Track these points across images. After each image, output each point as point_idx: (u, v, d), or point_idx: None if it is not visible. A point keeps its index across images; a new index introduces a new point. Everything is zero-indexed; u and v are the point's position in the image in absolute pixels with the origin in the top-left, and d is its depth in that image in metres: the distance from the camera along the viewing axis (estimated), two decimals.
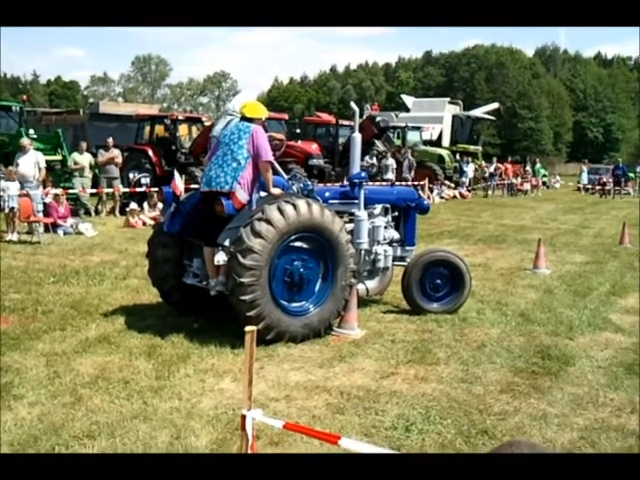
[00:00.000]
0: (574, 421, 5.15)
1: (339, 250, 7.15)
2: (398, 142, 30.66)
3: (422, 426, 4.96)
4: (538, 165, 40.46)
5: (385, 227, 8.44)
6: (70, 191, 17.05)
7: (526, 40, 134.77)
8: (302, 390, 5.65)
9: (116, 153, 18.81)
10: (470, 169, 32.14)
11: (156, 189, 18.16)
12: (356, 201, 8.04)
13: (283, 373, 6.05)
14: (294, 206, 6.79)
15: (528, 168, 38.40)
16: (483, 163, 36.37)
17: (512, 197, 32.82)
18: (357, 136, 8.32)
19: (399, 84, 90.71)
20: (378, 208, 8.50)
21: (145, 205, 16.85)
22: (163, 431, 4.77)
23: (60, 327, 7.24)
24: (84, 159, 18.27)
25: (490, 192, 32.17)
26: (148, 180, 19.64)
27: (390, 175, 26.16)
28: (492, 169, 33.76)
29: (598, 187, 36.91)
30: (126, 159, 20.23)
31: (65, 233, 14.28)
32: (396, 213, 8.76)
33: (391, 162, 26.69)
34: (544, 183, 40.88)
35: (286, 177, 7.84)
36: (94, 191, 18.22)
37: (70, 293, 8.85)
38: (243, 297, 6.57)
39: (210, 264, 7.09)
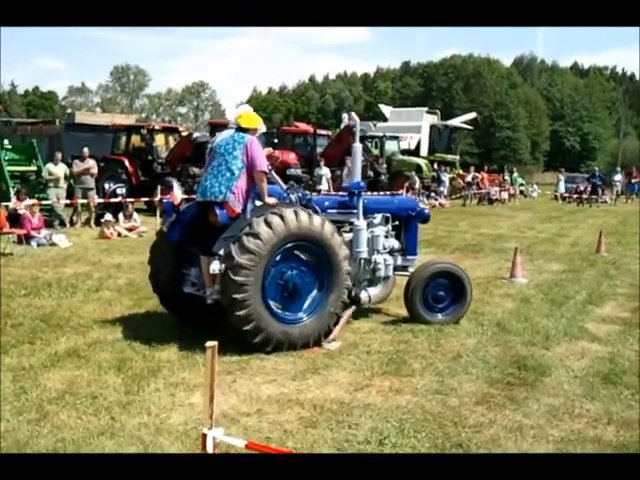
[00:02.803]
0: (550, 433, 5.09)
1: (331, 255, 7.16)
2: (376, 152, 30.70)
3: (396, 440, 4.88)
4: (515, 174, 40.65)
5: (386, 236, 8.47)
6: (44, 202, 16.85)
7: (503, 50, 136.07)
8: (274, 404, 5.54)
9: (91, 164, 18.59)
10: (448, 178, 32.23)
11: (132, 200, 18.03)
12: (355, 210, 8.09)
13: (255, 386, 5.94)
14: (281, 217, 6.80)
15: (506, 177, 38.57)
16: (461, 172, 36.52)
17: (490, 206, 32.95)
18: (358, 146, 8.48)
19: (377, 94, 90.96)
20: (378, 217, 8.50)
21: (120, 216, 16.65)
22: (130, 448, 4.64)
23: (29, 341, 7.09)
24: (59, 170, 18.05)
25: (468, 201, 32.27)
26: (124, 190, 19.52)
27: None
28: (470, 178, 33.88)
29: (575, 196, 37.13)
30: (102, 169, 20.02)
31: (39, 244, 14.07)
32: (397, 222, 8.78)
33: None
34: (521, 192, 41.06)
35: (284, 187, 7.91)
36: (69, 202, 17.99)
37: (41, 306, 8.68)
38: (238, 313, 6.63)
39: (206, 273, 7.15)
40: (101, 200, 18.43)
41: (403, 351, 7.07)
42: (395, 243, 8.63)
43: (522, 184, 42.90)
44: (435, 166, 33.62)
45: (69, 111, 74.02)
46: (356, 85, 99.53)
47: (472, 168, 36.57)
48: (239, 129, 7.27)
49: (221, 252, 6.92)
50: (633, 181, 42.00)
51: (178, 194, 7.79)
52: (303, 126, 32.72)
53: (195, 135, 22.85)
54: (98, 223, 17.20)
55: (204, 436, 2.83)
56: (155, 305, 8.82)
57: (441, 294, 8.26)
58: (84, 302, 9.00)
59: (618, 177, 40.67)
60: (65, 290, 9.65)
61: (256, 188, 7.13)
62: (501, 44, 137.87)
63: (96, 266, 11.89)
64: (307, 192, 8.00)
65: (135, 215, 17.14)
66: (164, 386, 5.87)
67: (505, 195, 35.90)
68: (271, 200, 7.13)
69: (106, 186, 19.73)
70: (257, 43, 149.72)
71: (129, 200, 17.78)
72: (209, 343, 2.83)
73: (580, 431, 5.13)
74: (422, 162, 33.17)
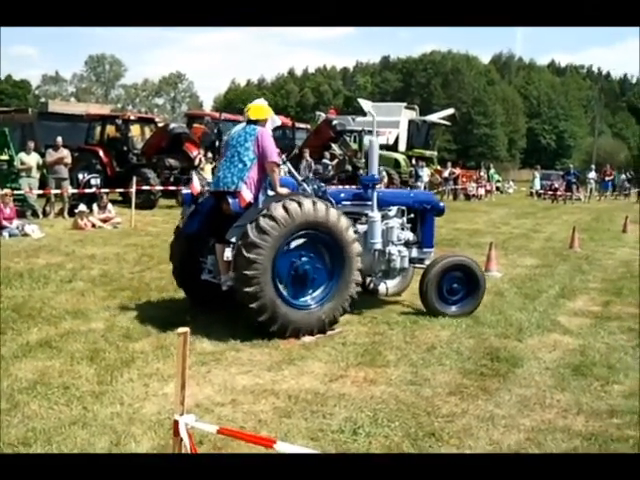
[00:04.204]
0: (521, 422, 5.14)
1: (344, 248, 7.34)
2: (355, 146, 30.72)
3: (369, 429, 4.90)
4: (492, 170, 40.90)
5: (401, 229, 8.65)
6: (17, 192, 16.61)
7: (482, 47, 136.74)
8: (249, 394, 5.54)
9: (65, 153, 18.36)
10: (425, 174, 32.34)
11: (106, 190, 17.86)
12: (369, 202, 8.32)
13: (230, 377, 5.93)
14: (299, 204, 7.02)
15: (483, 173, 38.81)
16: (438, 168, 36.67)
17: (466, 202, 33.14)
18: (374, 140, 8.67)
19: (357, 88, 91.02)
20: (393, 210, 8.67)
21: (95, 207, 16.49)
22: (102, 437, 4.61)
23: (0, 331, 6.99)
24: (31, 159, 17.81)
25: (445, 197, 32.41)
26: (98, 181, 19.28)
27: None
28: (446, 174, 34.05)
29: (550, 193, 37.49)
30: (76, 159, 19.80)
31: (10, 235, 13.88)
32: (412, 215, 8.93)
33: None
34: (498, 188, 41.36)
35: (300, 179, 8.15)
36: (41, 192, 17.77)
37: (12, 296, 8.57)
38: (247, 289, 6.82)
39: (221, 260, 7.43)
40: (75, 190, 18.23)
41: (378, 342, 7.10)
42: (410, 235, 8.78)
43: (498, 180, 43.20)
44: (413, 161, 33.70)
45: (43, 100, 73.06)
46: (335, 79, 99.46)
47: (449, 164, 36.76)
48: (249, 121, 7.49)
49: (233, 239, 7.17)
50: (607, 179, 42.52)
51: (197, 185, 7.98)
52: (282, 119, 32.61)
53: (171, 126, 22.66)
54: (72, 214, 17.01)
55: (176, 422, 2.82)
56: (129, 296, 8.79)
57: (455, 287, 8.38)
58: (56, 293, 8.91)
59: (592, 175, 41.10)
60: (37, 281, 9.53)
61: (268, 178, 7.34)
62: (480, 41, 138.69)
63: (69, 257, 11.77)
64: (322, 184, 8.26)
65: (109, 206, 16.98)
66: (138, 376, 5.83)
67: (482, 191, 36.15)
68: (283, 190, 7.33)
69: (80, 176, 19.47)
70: (236, 35, 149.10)
71: (103, 191, 17.61)
72: (180, 329, 2.81)
73: (550, 421, 5.19)
74: (400, 157, 33.28)
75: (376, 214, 8.31)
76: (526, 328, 7.85)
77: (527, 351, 6.99)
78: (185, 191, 8.18)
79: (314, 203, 7.13)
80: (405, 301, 9.11)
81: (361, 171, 28.61)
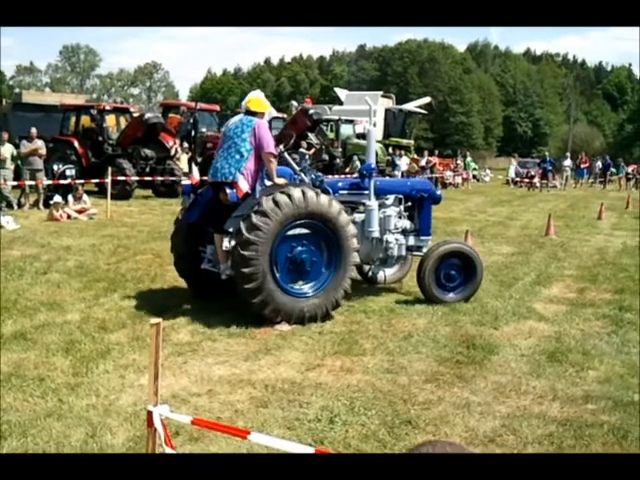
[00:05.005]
0: (497, 409, 5.18)
1: (338, 233, 7.46)
2: (331, 135, 30.66)
3: (346, 417, 4.92)
4: (469, 159, 41.05)
5: (398, 217, 8.75)
6: None
7: (458, 36, 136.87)
8: (226, 384, 5.53)
9: (40, 144, 18.15)
10: (403, 162, 32.39)
11: (82, 181, 17.69)
12: (367, 191, 8.43)
13: (207, 367, 5.92)
14: (289, 196, 7.09)
15: (459, 162, 38.94)
16: (415, 157, 36.72)
17: (443, 190, 33.21)
18: (373, 130, 8.86)
19: (333, 77, 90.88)
20: (391, 198, 8.78)
21: (70, 198, 16.32)
22: (78, 429, 4.59)
23: None
24: (5, 150, 17.53)
25: None
26: (73, 172, 19.07)
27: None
28: (424, 162, 34.12)
29: (526, 180, 37.72)
30: (51, 150, 19.59)
31: None
32: (409, 204, 9.01)
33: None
34: (474, 176, 41.53)
35: (298, 169, 8.20)
36: (16, 183, 17.55)
37: None
38: (247, 286, 6.97)
39: (220, 250, 7.60)
40: (50, 182, 18.02)
41: (355, 331, 7.12)
42: (407, 223, 8.86)
43: (475, 169, 43.37)
44: (390, 150, 33.72)
45: (17, 91, 72.09)
46: (312, 68, 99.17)
47: (426, 152, 36.83)
48: (248, 112, 7.58)
49: (231, 229, 7.37)
50: (582, 166, 42.84)
51: (196, 174, 8.15)
52: None
53: (147, 116, 22.43)
54: (47, 205, 16.83)
55: (150, 413, 2.80)
56: (105, 287, 8.73)
57: (453, 273, 8.46)
58: (32, 284, 8.82)
59: (567, 162, 41.37)
60: (12, 272, 9.43)
61: (265, 169, 7.43)
62: (456, 30, 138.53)
63: (45, 248, 11.65)
64: (320, 174, 8.40)
65: (85, 197, 16.81)
66: (113, 368, 5.81)
67: (458, 179, 36.29)
68: (280, 180, 7.44)
69: (55, 167, 19.26)
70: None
71: (79, 182, 17.44)
72: (154, 320, 2.80)
73: (526, 407, 5.24)
74: (377, 146, 33.19)
75: (373, 203, 8.41)
76: (502, 315, 7.91)
77: (503, 338, 7.05)
78: (185, 182, 8.29)
79: (303, 192, 7.19)
80: (382, 289, 9.14)
81: (338, 160, 28.66)
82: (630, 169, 43.98)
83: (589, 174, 44.55)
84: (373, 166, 8.53)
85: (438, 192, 9.59)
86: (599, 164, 44.30)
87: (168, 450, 2.90)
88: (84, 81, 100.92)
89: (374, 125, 9.14)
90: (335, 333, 7.03)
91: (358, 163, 28.61)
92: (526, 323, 7.71)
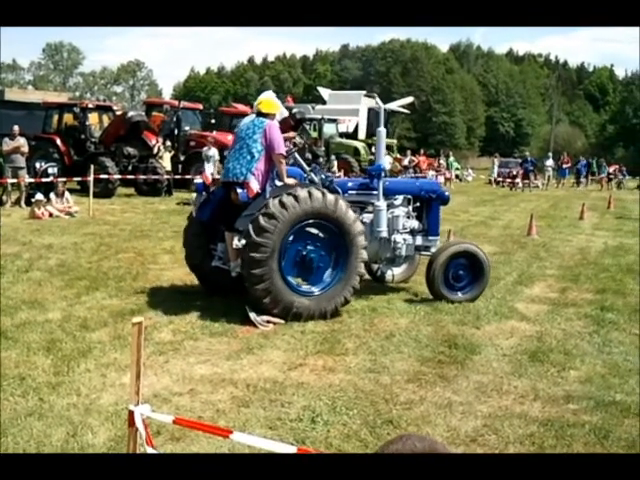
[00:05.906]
0: (478, 409, 5.20)
1: (345, 231, 7.53)
2: (314, 134, 30.66)
3: (328, 417, 4.92)
4: (451, 158, 41.24)
5: (407, 217, 8.84)
6: None
7: (440, 36, 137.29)
8: (207, 384, 5.52)
9: (22, 142, 18.04)
10: (386, 162, 32.41)
11: (64, 179, 17.57)
12: (375, 192, 8.53)
13: (189, 367, 5.90)
14: (295, 197, 7.21)
15: (442, 161, 39.10)
16: (398, 156, 36.82)
17: None
18: (382, 130, 8.82)
19: (316, 77, 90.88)
20: (399, 199, 8.86)
21: (52, 196, 16.22)
22: (59, 429, 4.56)
23: None
24: None
25: None
26: (56, 170, 18.95)
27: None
28: (406, 162, 34.22)
29: (508, 180, 37.92)
30: (33, 148, 19.48)
31: None
32: (417, 204, 9.09)
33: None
34: (457, 176, 41.73)
35: (308, 169, 8.34)
36: None
37: None
38: (257, 287, 7.14)
39: (230, 248, 7.66)
40: (32, 180, 17.91)
41: (337, 331, 7.12)
42: (415, 223, 8.92)
43: (458, 168, 43.60)
44: (373, 149, 33.74)
45: None
46: (295, 67, 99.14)
47: (409, 152, 36.96)
48: (259, 114, 7.68)
49: (242, 228, 7.45)
50: (564, 166, 43.10)
51: (209, 174, 8.15)
52: (241, 107, 32.33)
53: (130, 114, 22.36)
54: (29, 203, 16.71)
55: (131, 413, 2.79)
56: (86, 286, 8.68)
57: (461, 273, 8.54)
58: (13, 283, 8.75)
59: (549, 162, 41.62)
60: None
61: (276, 169, 7.55)
62: (438, 30, 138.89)
63: (26, 246, 11.57)
64: (329, 174, 8.48)
65: (67, 195, 16.72)
66: (95, 367, 5.78)
67: (441, 179, 36.36)
68: (290, 181, 7.56)
69: (37, 165, 19.12)
70: None
71: (61, 180, 17.33)
72: (135, 319, 2.79)
73: (507, 407, 5.26)
74: (360, 145, 33.30)
75: (382, 203, 8.50)
76: (484, 315, 7.94)
77: (485, 338, 7.08)
78: (197, 180, 8.50)
79: (310, 193, 7.29)
80: (364, 289, 9.13)
81: (320, 159, 28.65)
82: (612, 169, 44.39)
83: (571, 174, 44.84)
84: (382, 167, 8.60)
85: (446, 193, 9.64)
86: (583, 162, 44.52)
87: (149, 450, 2.90)
88: (67, 79, 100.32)
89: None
90: (317, 332, 7.02)
91: (335, 162, 28.81)
92: (508, 323, 7.74)
